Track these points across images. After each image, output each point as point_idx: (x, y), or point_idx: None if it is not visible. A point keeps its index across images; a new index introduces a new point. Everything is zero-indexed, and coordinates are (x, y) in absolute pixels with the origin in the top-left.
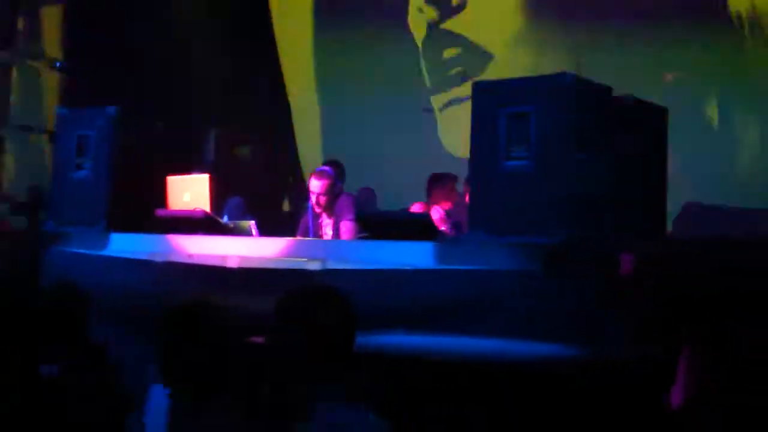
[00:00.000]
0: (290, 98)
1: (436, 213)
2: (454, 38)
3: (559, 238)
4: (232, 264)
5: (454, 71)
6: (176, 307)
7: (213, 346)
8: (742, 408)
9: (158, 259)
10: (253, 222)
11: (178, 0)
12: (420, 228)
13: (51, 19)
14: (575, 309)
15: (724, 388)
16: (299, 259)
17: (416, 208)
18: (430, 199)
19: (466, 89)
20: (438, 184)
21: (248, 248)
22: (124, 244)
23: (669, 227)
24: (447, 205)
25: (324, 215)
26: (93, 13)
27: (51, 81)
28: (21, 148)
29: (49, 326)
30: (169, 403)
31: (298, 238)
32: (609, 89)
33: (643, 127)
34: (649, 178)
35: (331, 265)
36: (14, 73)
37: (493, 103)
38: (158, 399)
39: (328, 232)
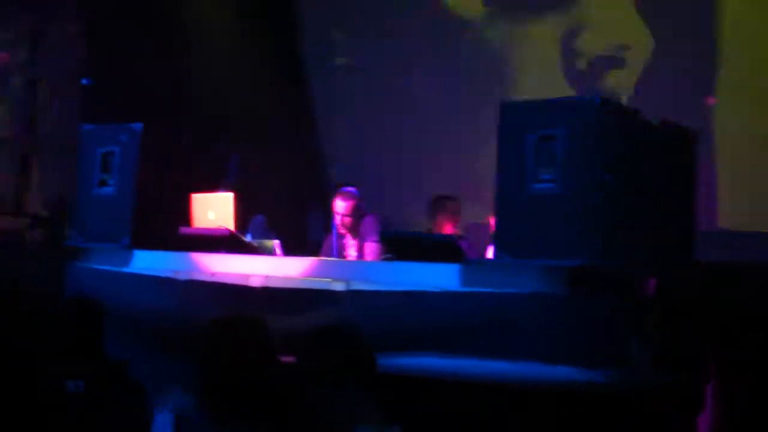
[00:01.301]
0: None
1: None
2: None
3: (585, 261)
4: (255, 283)
5: None
6: (221, 322)
7: (255, 363)
8: None
9: (181, 276)
10: (277, 241)
11: (205, 20)
12: (445, 249)
13: (75, 36)
14: (601, 333)
15: (752, 416)
16: (324, 279)
17: None
18: (434, 223)
19: None
20: (439, 207)
21: (272, 267)
22: (148, 261)
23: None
24: (450, 229)
25: (348, 236)
26: (117, 29)
27: (76, 97)
28: (49, 164)
29: (67, 341)
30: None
31: (323, 258)
32: (636, 110)
33: (671, 150)
34: (677, 201)
35: (356, 285)
36: (40, 90)
37: (521, 125)
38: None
39: (352, 253)
